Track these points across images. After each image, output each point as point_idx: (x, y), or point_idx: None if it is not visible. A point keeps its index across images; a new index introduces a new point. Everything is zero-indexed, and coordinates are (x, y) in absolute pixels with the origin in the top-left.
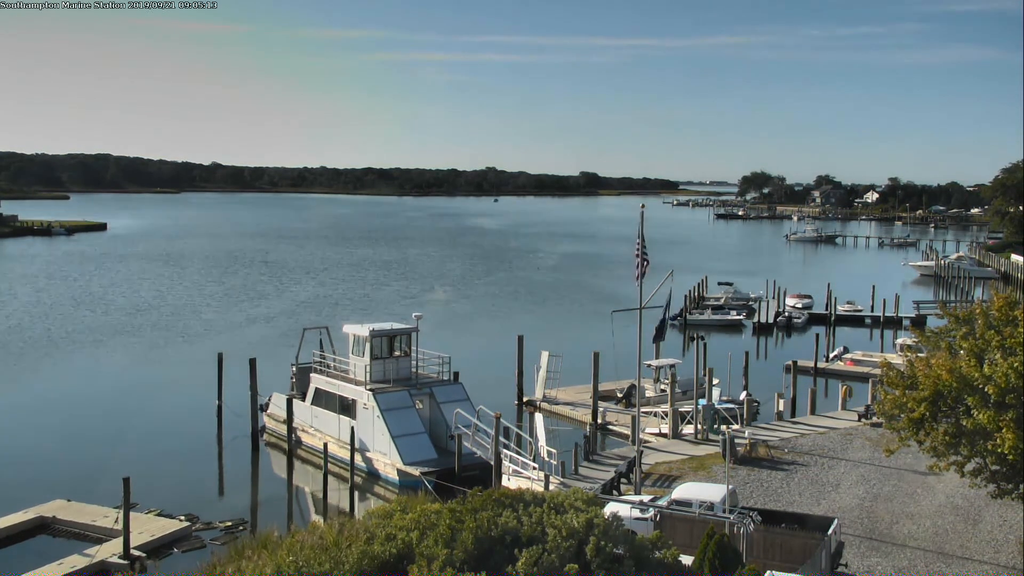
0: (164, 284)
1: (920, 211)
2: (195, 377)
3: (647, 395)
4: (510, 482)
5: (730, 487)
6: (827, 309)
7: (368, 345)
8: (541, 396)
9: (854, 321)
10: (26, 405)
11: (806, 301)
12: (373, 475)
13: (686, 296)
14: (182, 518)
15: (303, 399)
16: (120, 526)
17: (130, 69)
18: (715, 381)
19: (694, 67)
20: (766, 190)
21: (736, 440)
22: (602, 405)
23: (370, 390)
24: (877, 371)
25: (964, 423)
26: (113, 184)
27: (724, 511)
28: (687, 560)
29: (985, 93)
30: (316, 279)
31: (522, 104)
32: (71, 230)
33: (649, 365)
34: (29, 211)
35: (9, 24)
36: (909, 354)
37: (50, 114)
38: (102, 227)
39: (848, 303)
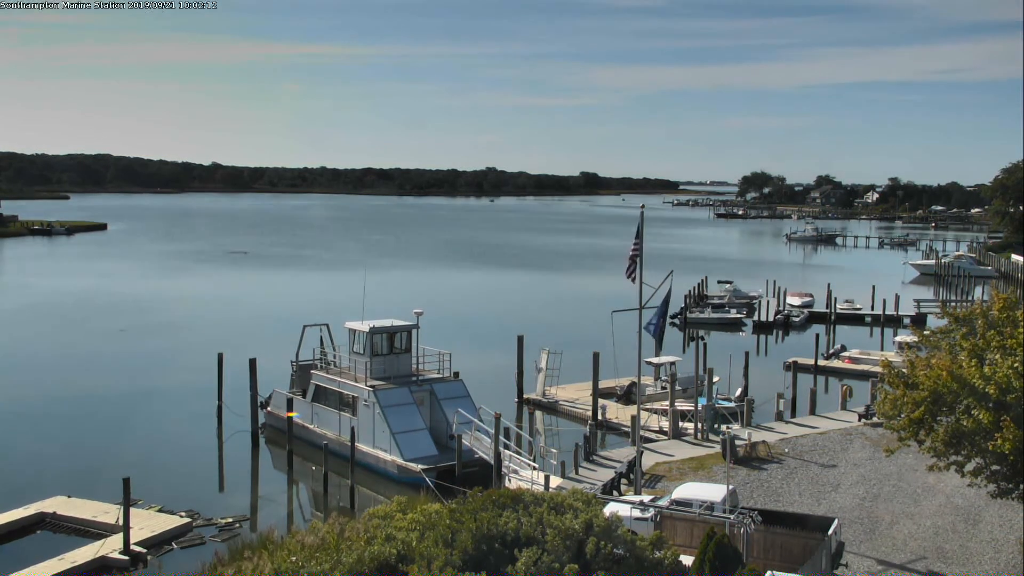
0: (164, 283)
1: (920, 211)
2: (196, 375)
3: (647, 392)
4: (510, 482)
5: (730, 487)
6: (827, 308)
7: (368, 342)
8: (541, 394)
9: (854, 320)
10: (27, 401)
11: (806, 300)
12: (374, 472)
13: (686, 295)
14: (183, 514)
15: (303, 396)
16: (120, 523)
17: (130, 69)
18: (715, 379)
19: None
20: (766, 190)
21: (736, 440)
22: (602, 403)
23: (371, 387)
24: (877, 369)
25: (964, 423)
26: (113, 184)
27: (724, 511)
28: (687, 560)
29: (985, 93)
30: (316, 275)
31: (523, 103)
32: (71, 230)
33: (649, 363)
34: (29, 211)
35: (9, 24)
36: (909, 353)
37: (50, 114)
38: (102, 227)
39: (847, 301)
